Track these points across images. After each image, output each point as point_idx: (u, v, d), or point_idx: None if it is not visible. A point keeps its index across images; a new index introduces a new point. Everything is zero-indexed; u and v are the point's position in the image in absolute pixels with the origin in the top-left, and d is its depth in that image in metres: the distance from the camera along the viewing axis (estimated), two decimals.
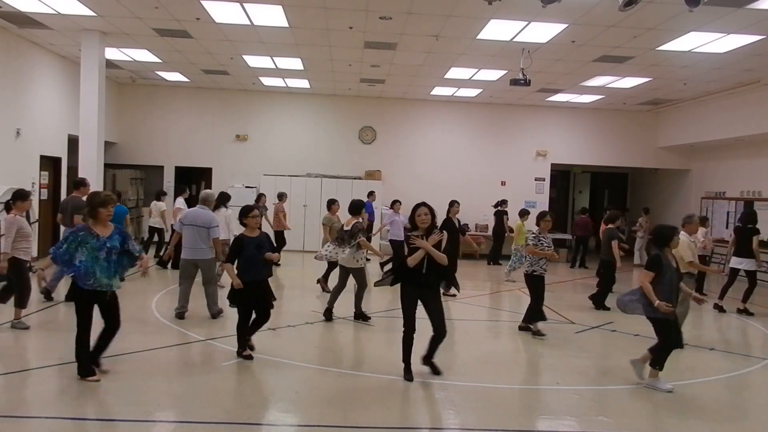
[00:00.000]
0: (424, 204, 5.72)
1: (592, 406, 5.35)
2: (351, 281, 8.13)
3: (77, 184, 8.92)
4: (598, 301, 9.69)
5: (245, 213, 6.17)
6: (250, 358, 6.05)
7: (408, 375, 5.68)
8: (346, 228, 8.08)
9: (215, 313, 7.83)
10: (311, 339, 7.20)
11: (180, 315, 7.74)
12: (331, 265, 9.71)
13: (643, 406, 5.38)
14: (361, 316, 8.09)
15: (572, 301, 10.48)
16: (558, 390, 5.71)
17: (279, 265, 12.80)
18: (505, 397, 5.55)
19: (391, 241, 12.44)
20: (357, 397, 5.28)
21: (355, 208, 8.25)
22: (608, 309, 9.44)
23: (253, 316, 6.12)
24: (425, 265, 5.55)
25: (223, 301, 8.32)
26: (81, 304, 5.19)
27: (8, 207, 7.18)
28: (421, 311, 5.65)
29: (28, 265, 7.06)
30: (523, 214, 12.76)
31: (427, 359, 5.87)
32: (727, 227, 14.49)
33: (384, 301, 9.10)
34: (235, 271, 6.00)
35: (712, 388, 6.09)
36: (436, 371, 5.81)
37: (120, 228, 5.43)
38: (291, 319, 7.97)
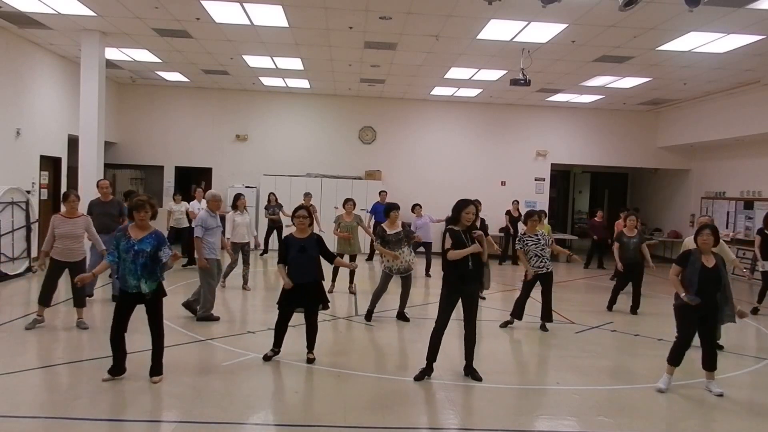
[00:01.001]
0: (473, 203, 5.76)
1: (592, 406, 5.35)
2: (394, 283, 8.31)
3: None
4: (612, 302, 9.62)
5: (292, 214, 6.26)
6: (267, 359, 6.11)
7: (423, 374, 5.71)
8: (396, 230, 8.15)
9: (199, 318, 7.68)
10: None
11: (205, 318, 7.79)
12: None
13: (643, 406, 5.38)
14: (369, 315, 8.19)
15: (572, 301, 10.47)
16: (558, 390, 5.71)
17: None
18: (505, 397, 5.55)
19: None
20: (357, 397, 5.28)
21: (386, 210, 8.46)
22: (610, 310, 9.48)
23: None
24: (471, 261, 5.62)
25: (220, 309, 8.33)
26: (117, 304, 5.43)
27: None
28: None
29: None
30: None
31: (470, 367, 5.89)
32: (726, 227, 14.49)
33: (385, 302, 9.09)
34: (285, 271, 6.08)
35: None
36: (477, 377, 5.80)
37: (158, 233, 5.41)
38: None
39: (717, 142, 14.69)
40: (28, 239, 10.44)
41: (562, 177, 19.47)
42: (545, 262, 7.97)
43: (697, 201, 16.11)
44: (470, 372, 5.86)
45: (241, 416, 4.73)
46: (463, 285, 5.68)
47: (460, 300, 5.77)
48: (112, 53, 12.05)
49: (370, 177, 16.03)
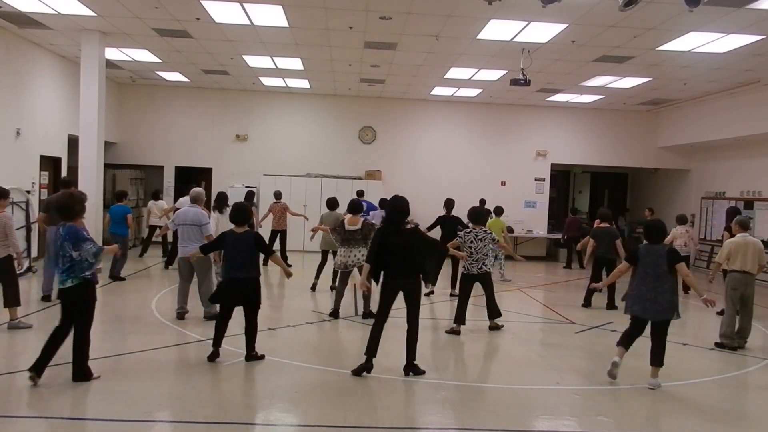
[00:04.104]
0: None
1: (592, 406, 5.35)
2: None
3: (65, 183, 9.03)
4: (611, 300, 9.68)
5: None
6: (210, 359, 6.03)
7: (361, 369, 5.77)
8: (353, 227, 8.13)
9: (208, 317, 7.66)
10: (311, 339, 7.21)
11: (180, 315, 7.71)
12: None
13: (643, 406, 5.39)
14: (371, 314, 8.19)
15: (572, 301, 10.47)
16: (558, 390, 5.72)
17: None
18: (505, 397, 5.55)
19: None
20: (357, 397, 5.28)
21: (357, 207, 8.41)
22: (616, 308, 9.52)
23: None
24: (395, 254, 5.76)
25: None
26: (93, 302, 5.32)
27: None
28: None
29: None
30: (499, 212, 12.45)
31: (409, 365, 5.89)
32: (725, 228, 14.47)
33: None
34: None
35: (712, 388, 6.08)
36: (418, 372, 5.84)
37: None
38: (291, 319, 7.98)
39: (717, 142, 14.69)
40: (28, 239, 10.45)
41: (562, 177, 19.46)
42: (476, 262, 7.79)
43: (697, 201, 16.11)
44: (410, 369, 5.84)
45: (241, 416, 4.73)
46: (391, 279, 5.77)
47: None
48: (112, 53, 12.05)
49: (370, 177, 16.02)
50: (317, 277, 10.27)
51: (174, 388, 5.28)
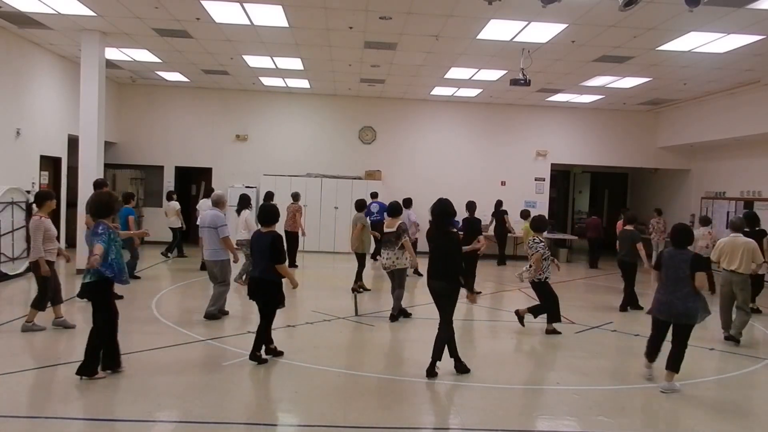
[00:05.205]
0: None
1: (592, 406, 5.35)
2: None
3: (100, 184, 9.08)
4: (633, 301, 9.68)
5: None
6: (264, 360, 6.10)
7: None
8: (390, 230, 8.23)
9: (207, 315, 7.74)
10: (311, 339, 7.20)
11: (214, 316, 7.83)
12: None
13: (643, 406, 5.38)
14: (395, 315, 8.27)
15: (573, 300, 10.47)
16: (558, 390, 5.71)
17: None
18: (505, 397, 5.55)
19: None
20: (357, 397, 5.28)
21: (396, 210, 8.53)
22: (642, 308, 9.51)
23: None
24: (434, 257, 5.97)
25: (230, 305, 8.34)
26: (109, 300, 5.36)
27: (30, 208, 7.20)
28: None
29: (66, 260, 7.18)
30: (524, 216, 12.62)
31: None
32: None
33: (384, 301, 9.10)
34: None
35: (712, 388, 6.09)
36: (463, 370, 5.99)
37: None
38: (291, 319, 7.98)
39: (717, 142, 14.69)
40: (28, 239, 10.42)
41: (562, 177, 19.48)
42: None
43: (697, 201, 16.11)
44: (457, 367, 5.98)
45: (242, 416, 4.73)
46: (429, 280, 5.93)
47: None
48: (112, 53, 12.05)
49: (370, 177, 16.02)
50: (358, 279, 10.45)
51: (174, 388, 5.28)
